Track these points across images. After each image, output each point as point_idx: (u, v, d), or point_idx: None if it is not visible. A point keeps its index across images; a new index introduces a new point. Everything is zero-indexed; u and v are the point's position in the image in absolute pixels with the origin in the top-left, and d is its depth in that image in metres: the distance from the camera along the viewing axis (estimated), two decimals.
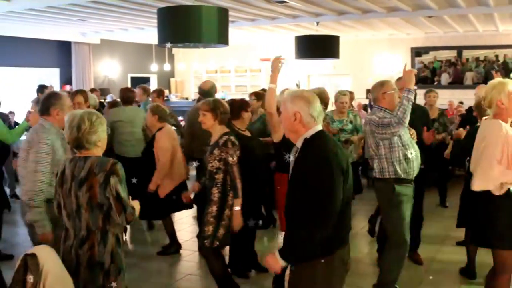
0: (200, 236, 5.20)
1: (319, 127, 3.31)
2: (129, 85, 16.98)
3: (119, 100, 10.48)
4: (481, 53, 16.11)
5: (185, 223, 8.35)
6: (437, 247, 7.01)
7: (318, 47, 11.99)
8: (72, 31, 15.44)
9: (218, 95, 15.25)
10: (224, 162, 5.05)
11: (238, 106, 5.73)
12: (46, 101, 4.65)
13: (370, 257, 6.64)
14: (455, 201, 6.59)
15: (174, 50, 20.20)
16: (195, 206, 7.06)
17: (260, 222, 6.08)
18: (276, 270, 3.23)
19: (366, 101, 14.97)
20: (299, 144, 3.32)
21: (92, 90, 11.49)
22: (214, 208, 5.10)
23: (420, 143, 5.47)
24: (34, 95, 9.44)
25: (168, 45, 6.84)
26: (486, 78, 14.91)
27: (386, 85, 5.21)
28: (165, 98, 16.95)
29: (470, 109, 9.50)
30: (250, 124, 6.84)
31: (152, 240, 7.74)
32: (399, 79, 6.22)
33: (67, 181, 3.59)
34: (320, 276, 3.24)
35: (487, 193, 4.27)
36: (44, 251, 3.45)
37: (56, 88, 14.28)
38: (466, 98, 13.64)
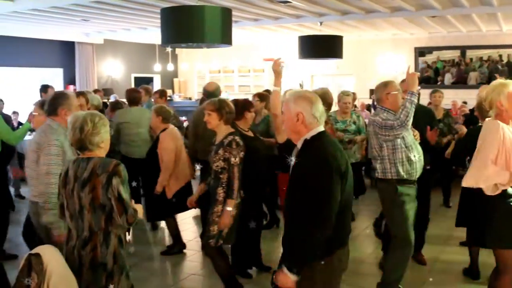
0: (205, 235, 5.21)
1: (321, 128, 3.30)
2: (133, 85, 17.01)
3: (122, 100, 10.50)
4: (484, 53, 16.09)
5: (188, 223, 8.35)
6: (441, 248, 7.00)
7: (322, 47, 11.98)
8: (75, 31, 15.47)
9: (221, 96, 15.28)
10: (228, 162, 5.06)
11: (241, 106, 5.73)
12: (54, 102, 4.65)
13: (373, 257, 6.64)
14: None
15: (178, 50, 20.21)
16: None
17: (264, 222, 6.11)
18: (290, 286, 3.15)
19: (370, 101, 14.96)
20: (299, 145, 3.31)
21: (96, 91, 11.49)
22: (219, 207, 5.11)
23: (424, 143, 5.46)
24: (37, 95, 9.43)
25: (169, 48, 6.86)
26: (489, 78, 14.88)
27: (389, 86, 5.21)
28: (169, 98, 17.04)
29: (473, 109, 9.48)
30: (254, 125, 6.86)
31: (156, 240, 7.75)
32: (403, 80, 6.21)
33: (70, 182, 3.60)
34: (319, 277, 3.24)
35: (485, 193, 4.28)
36: (48, 251, 3.46)
37: (60, 88, 14.29)
38: (470, 98, 13.60)
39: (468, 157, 4.85)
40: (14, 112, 11.88)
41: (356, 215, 8.58)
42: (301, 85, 16.43)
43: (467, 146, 4.74)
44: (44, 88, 9.58)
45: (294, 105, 3.29)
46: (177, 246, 6.98)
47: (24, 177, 7.39)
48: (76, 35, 15.94)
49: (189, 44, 7.39)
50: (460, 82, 16.33)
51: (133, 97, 7.89)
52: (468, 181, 4.33)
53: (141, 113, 7.78)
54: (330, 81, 17.20)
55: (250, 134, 5.89)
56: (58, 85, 14.94)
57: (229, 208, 5.08)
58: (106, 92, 15.61)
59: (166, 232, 7.85)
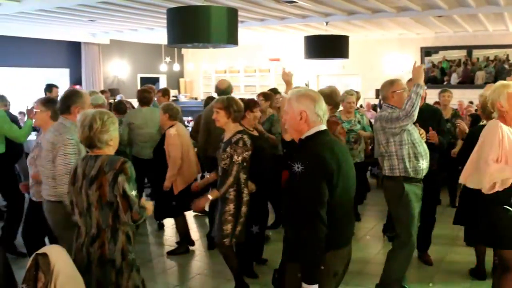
0: (219, 234, 5.22)
1: (322, 127, 3.29)
2: (139, 86, 17.03)
3: (127, 100, 10.51)
4: (491, 53, 16.04)
5: (192, 222, 8.36)
6: (447, 248, 6.98)
7: (328, 47, 11.97)
8: (81, 31, 15.50)
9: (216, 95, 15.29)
10: (231, 159, 5.08)
11: (244, 106, 5.74)
12: (67, 100, 4.65)
13: (379, 258, 6.63)
14: None
15: (184, 50, 20.24)
16: None
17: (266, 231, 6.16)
18: None
19: (376, 101, 14.94)
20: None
21: (102, 92, 11.52)
22: (231, 206, 5.15)
23: (430, 143, 5.45)
24: (43, 95, 9.44)
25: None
26: (496, 78, 14.85)
27: (395, 84, 5.22)
28: (174, 98, 17.08)
29: None
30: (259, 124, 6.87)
31: (162, 240, 7.75)
32: (410, 80, 6.21)
33: (79, 180, 3.65)
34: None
35: (488, 194, 4.27)
36: (55, 251, 3.47)
37: (66, 89, 14.33)
38: (477, 98, 13.55)
39: None
40: (21, 113, 11.90)
41: (362, 216, 8.57)
42: (307, 85, 16.41)
43: (471, 146, 4.74)
44: (49, 88, 9.61)
45: (297, 104, 3.28)
46: (183, 246, 6.98)
47: None
48: (82, 36, 15.97)
49: (195, 44, 7.40)
50: (467, 82, 16.30)
51: (143, 97, 7.88)
52: (471, 183, 4.32)
53: (152, 113, 7.78)
54: (336, 81, 17.14)
55: (255, 133, 5.91)
56: (64, 85, 14.96)
57: (210, 197, 5.20)
58: (112, 92, 15.63)
59: (172, 232, 7.87)
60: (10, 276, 4.18)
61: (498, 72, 15.64)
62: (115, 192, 3.52)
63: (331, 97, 5.69)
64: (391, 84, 5.25)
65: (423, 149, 5.11)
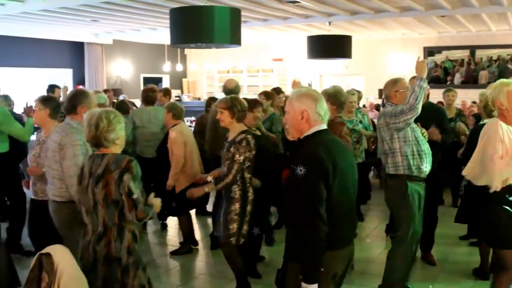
0: (225, 234, 5.23)
1: (323, 126, 3.30)
2: (142, 86, 17.04)
3: (130, 100, 10.53)
4: (494, 53, 16.01)
5: (194, 222, 8.36)
6: (450, 248, 6.98)
7: (330, 47, 11.97)
8: (84, 31, 15.52)
9: (219, 96, 15.28)
10: (232, 157, 5.09)
11: None
12: (74, 100, 4.64)
13: (382, 258, 6.60)
14: None
15: (187, 51, 20.25)
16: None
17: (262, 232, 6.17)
18: None
19: (379, 101, 14.93)
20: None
21: (106, 91, 11.53)
22: (237, 205, 5.16)
23: (432, 142, 5.44)
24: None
25: (168, 63, 6.91)
26: (499, 78, 14.81)
27: (399, 83, 5.24)
28: (177, 98, 17.09)
29: None
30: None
31: (165, 240, 7.76)
32: (412, 78, 6.21)
33: (85, 178, 3.69)
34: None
35: (488, 192, 4.27)
36: (59, 251, 3.48)
37: (69, 89, 14.34)
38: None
39: None
40: (24, 113, 11.90)
41: (365, 216, 8.57)
42: (309, 85, 16.41)
43: (475, 145, 4.74)
44: (51, 88, 9.63)
45: (299, 103, 3.29)
46: (186, 246, 6.98)
47: None
48: (86, 36, 15.99)
49: (198, 45, 7.40)
50: (470, 81, 16.27)
51: (148, 96, 7.90)
52: (479, 181, 4.30)
53: (156, 112, 7.79)
54: (339, 81, 17.10)
55: (257, 133, 5.91)
56: (67, 85, 14.96)
57: (206, 189, 5.28)
58: (115, 92, 15.64)
59: (175, 232, 7.87)
60: (13, 276, 4.19)
61: (501, 72, 15.60)
62: (120, 191, 3.54)
63: (335, 96, 5.67)
64: (394, 83, 5.26)
65: (426, 147, 5.12)
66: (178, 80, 20.04)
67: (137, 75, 18.44)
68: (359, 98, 9.31)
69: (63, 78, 15.52)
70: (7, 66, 14.13)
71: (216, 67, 19.68)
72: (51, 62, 15.57)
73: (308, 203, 3.09)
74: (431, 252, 6.46)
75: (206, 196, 8.16)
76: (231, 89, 7.14)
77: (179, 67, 19.19)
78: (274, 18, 12.92)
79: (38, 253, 3.43)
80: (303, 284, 3.12)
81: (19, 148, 7.25)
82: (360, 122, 7.85)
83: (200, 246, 7.22)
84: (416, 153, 5.02)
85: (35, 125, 6.34)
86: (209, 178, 5.43)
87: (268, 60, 18.81)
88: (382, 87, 5.60)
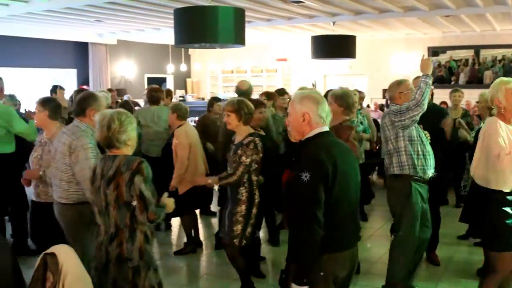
0: (229, 235, 5.23)
1: (324, 128, 3.30)
2: (146, 86, 17.06)
3: (134, 100, 10.54)
4: (499, 52, 15.98)
5: (198, 223, 8.35)
6: (455, 248, 6.97)
7: (335, 47, 11.97)
8: (89, 32, 15.55)
9: (223, 96, 15.31)
10: (239, 159, 5.10)
11: None
12: (83, 102, 4.63)
13: (386, 258, 6.59)
14: None
15: (191, 51, 20.26)
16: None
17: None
18: None
19: (383, 101, 14.92)
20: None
21: (110, 90, 11.54)
22: (243, 207, 5.16)
23: (433, 145, 5.40)
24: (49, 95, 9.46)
25: (172, 66, 6.90)
26: (504, 77, 14.77)
27: (403, 85, 5.25)
28: (181, 99, 17.09)
29: None
30: None
31: (169, 240, 7.76)
32: (416, 78, 6.20)
33: (97, 179, 3.71)
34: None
35: (487, 193, 4.25)
36: (64, 250, 3.48)
37: (73, 89, 14.36)
38: None
39: None
40: None
41: (369, 216, 8.56)
42: (313, 85, 16.42)
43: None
44: (55, 89, 9.63)
45: (300, 106, 3.29)
46: (190, 246, 6.98)
47: None
48: (90, 36, 16.02)
49: (202, 45, 7.41)
50: (474, 81, 16.23)
51: (153, 96, 7.91)
52: (495, 183, 4.25)
53: (160, 112, 7.80)
54: (343, 81, 17.13)
55: (262, 133, 5.92)
56: (71, 85, 15.02)
57: (209, 181, 5.40)
58: (120, 92, 15.66)
59: (180, 232, 7.87)
60: (19, 276, 4.19)
61: (506, 71, 15.56)
62: (131, 192, 3.56)
63: (342, 98, 5.63)
64: (398, 84, 5.26)
65: (430, 149, 5.13)
66: (182, 80, 20.05)
67: (141, 75, 18.46)
68: (362, 98, 9.28)
69: (67, 78, 15.56)
70: (11, 67, 14.15)
71: (220, 67, 19.69)
72: (55, 62, 15.61)
73: (306, 207, 3.09)
74: (436, 252, 6.44)
75: (209, 196, 8.15)
76: (244, 91, 7.15)
77: (183, 67, 19.21)
78: (278, 18, 12.93)
79: (43, 252, 3.43)
80: (293, 285, 3.13)
81: (25, 148, 7.26)
82: (361, 123, 7.83)
83: (204, 246, 7.22)
84: (420, 153, 5.03)
85: (37, 127, 6.35)
86: (210, 181, 5.42)
87: (272, 60, 18.81)
88: (386, 87, 5.60)
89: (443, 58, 16.77)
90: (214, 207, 8.91)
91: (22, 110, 8.81)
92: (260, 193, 5.33)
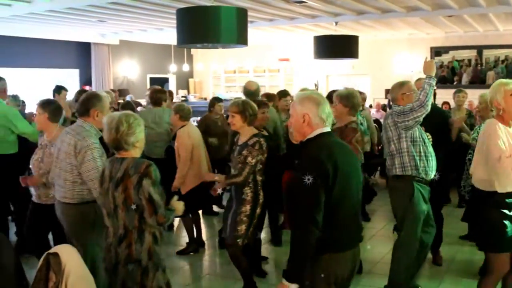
0: (232, 235, 5.23)
1: (325, 129, 3.29)
2: (148, 86, 17.08)
3: (136, 101, 10.53)
4: (501, 53, 15.97)
5: (200, 223, 8.35)
6: (457, 248, 6.96)
7: (337, 47, 11.97)
8: (91, 32, 15.57)
9: (226, 96, 15.28)
10: (244, 160, 5.11)
11: None
12: (87, 102, 4.63)
13: (389, 258, 6.59)
14: None
15: (193, 51, 20.27)
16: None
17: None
18: None
19: (385, 101, 14.92)
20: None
21: (112, 91, 11.56)
22: (247, 207, 5.18)
23: (435, 147, 5.39)
24: (51, 96, 9.45)
25: (174, 66, 6.90)
26: (507, 77, 14.75)
27: (405, 86, 5.25)
28: (183, 99, 17.10)
29: None
30: None
31: (171, 240, 7.76)
32: (418, 80, 6.20)
33: (106, 181, 3.73)
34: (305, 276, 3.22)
35: (485, 195, 4.25)
36: (66, 250, 3.49)
37: (76, 89, 14.38)
38: None
39: None
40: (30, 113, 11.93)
41: (372, 216, 8.56)
42: (316, 86, 16.41)
43: None
44: (58, 89, 9.62)
45: (300, 107, 3.30)
46: (192, 246, 6.99)
47: None
48: (92, 36, 16.04)
49: (205, 45, 7.40)
50: (477, 82, 16.22)
51: (155, 97, 7.90)
52: (501, 186, 4.23)
53: (162, 113, 7.80)
54: (345, 81, 17.11)
55: (265, 133, 5.93)
56: (74, 86, 15.03)
57: (217, 178, 5.44)
58: (122, 92, 15.68)
59: (182, 232, 7.87)
60: (21, 276, 4.20)
61: (509, 72, 15.55)
62: (140, 195, 3.58)
63: (347, 98, 5.62)
64: (400, 86, 5.27)
65: (432, 150, 5.13)
66: (184, 80, 20.06)
67: (144, 76, 18.48)
68: (363, 99, 9.27)
69: (70, 78, 15.57)
70: (14, 67, 14.16)
71: (223, 67, 19.70)
72: (58, 62, 15.62)
73: (306, 209, 3.10)
74: (439, 251, 6.44)
75: (211, 197, 8.15)
76: (253, 91, 7.18)
77: (185, 67, 19.22)
78: (281, 18, 12.93)
79: (46, 252, 3.44)
80: (283, 281, 3.15)
81: (28, 149, 7.26)
82: (361, 124, 7.81)
83: (207, 246, 7.22)
84: (423, 154, 5.03)
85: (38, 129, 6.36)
86: (217, 178, 5.44)
87: (274, 60, 18.81)
88: (388, 87, 5.61)
89: (445, 58, 16.76)
90: (216, 207, 8.91)
91: (27, 111, 8.82)
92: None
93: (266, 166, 5.38)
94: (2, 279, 3.75)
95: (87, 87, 15.22)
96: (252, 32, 13.60)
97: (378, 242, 7.36)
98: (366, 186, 8.49)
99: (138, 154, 3.80)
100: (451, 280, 5.94)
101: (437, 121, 5.93)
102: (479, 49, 16.23)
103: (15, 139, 6.80)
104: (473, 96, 13.97)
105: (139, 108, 10.06)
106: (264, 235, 6.90)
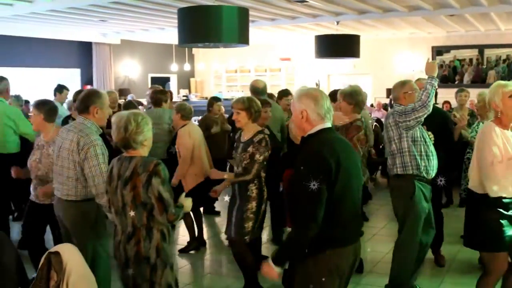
0: (239, 232, 5.21)
1: (326, 125, 3.30)
2: (149, 85, 17.08)
3: (138, 100, 10.53)
4: (503, 52, 15.96)
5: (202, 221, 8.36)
6: (458, 247, 6.94)
7: (339, 46, 11.97)
8: (93, 31, 15.58)
9: (227, 95, 15.24)
10: (252, 157, 5.11)
11: None
12: (86, 99, 4.62)
13: (389, 257, 6.59)
14: None
15: (194, 50, 20.28)
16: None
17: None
18: (273, 276, 3.25)
19: (387, 100, 14.91)
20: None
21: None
22: (253, 204, 5.17)
23: (436, 145, 5.39)
24: (53, 96, 9.46)
25: (176, 65, 6.90)
26: (508, 77, 14.78)
27: (407, 85, 5.25)
28: (185, 98, 17.10)
29: None
30: None
31: (173, 238, 7.76)
32: (418, 79, 6.20)
33: (114, 180, 3.76)
34: (307, 272, 3.25)
35: (481, 195, 4.24)
36: (68, 249, 3.51)
37: (77, 89, 14.40)
38: None
39: None
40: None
41: (371, 215, 8.55)
42: (317, 85, 16.41)
43: None
44: (60, 89, 9.63)
45: (299, 103, 3.31)
46: (193, 244, 6.99)
47: None
48: (94, 36, 16.05)
49: (206, 44, 7.41)
50: (478, 81, 16.21)
51: (156, 98, 7.89)
52: (493, 190, 4.23)
53: (162, 113, 7.80)
54: (347, 80, 17.08)
55: (267, 131, 5.93)
56: (75, 85, 15.03)
57: (226, 175, 5.41)
58: (123, 92, 15.69)
59: (183, 231, 7.88)
60: (22, 274, 4.21)
61: (510, 71, 15.54)
62: (149, 194, 3.61)
63: (351, 95, 5.64)
64: (402, 85, 5.27)
65: (433, 149, 5.12)
66: (185, 80, 20.07)
67: (145, 75, 18.48)
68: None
69: (71, 78, 15.58)
70: (15, 66, 14.17)
71: (224, 67, 19.70)
72: (59, 62, 15.63)
73: (309, 210, 3.11)
74: (440, 251, 6.44)
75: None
76: (261, 89, 7.17)
77: (186, 67, 19.22)
78: (282, 18, 12.93)
79: (47, 251, 3.45)
80: (269, 261, 3.23)
81: (28, 149, 7.27)
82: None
83: (208, 245, 7.22)
84: (424, 153, 5.03)
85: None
86: (226, 176, 5.43)
87: (275, 59, 18.81)
88: (390, 86, 5.60)
89: (447, 57, 16.75)
90: (218, 206, 8.91)
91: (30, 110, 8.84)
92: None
93: (267, 163, 5.39)
94: (3, 277, 3.76)
95: (88, 87, 15.24)
96: (254, 31, 13.59)
97: (379, 242, 7.36)
98: (363, 188, 8.53)
99: (146, 152, 3.83)
100: (452, 280, 5.94)
101: (438, 121, 5.93)
102: (481, 48, 16.22)
103: (17, 139, 6.82)
104: (475, 95, 13.99)
105: (140, 108, 10.06)
106: (265, 234, 6.89)
